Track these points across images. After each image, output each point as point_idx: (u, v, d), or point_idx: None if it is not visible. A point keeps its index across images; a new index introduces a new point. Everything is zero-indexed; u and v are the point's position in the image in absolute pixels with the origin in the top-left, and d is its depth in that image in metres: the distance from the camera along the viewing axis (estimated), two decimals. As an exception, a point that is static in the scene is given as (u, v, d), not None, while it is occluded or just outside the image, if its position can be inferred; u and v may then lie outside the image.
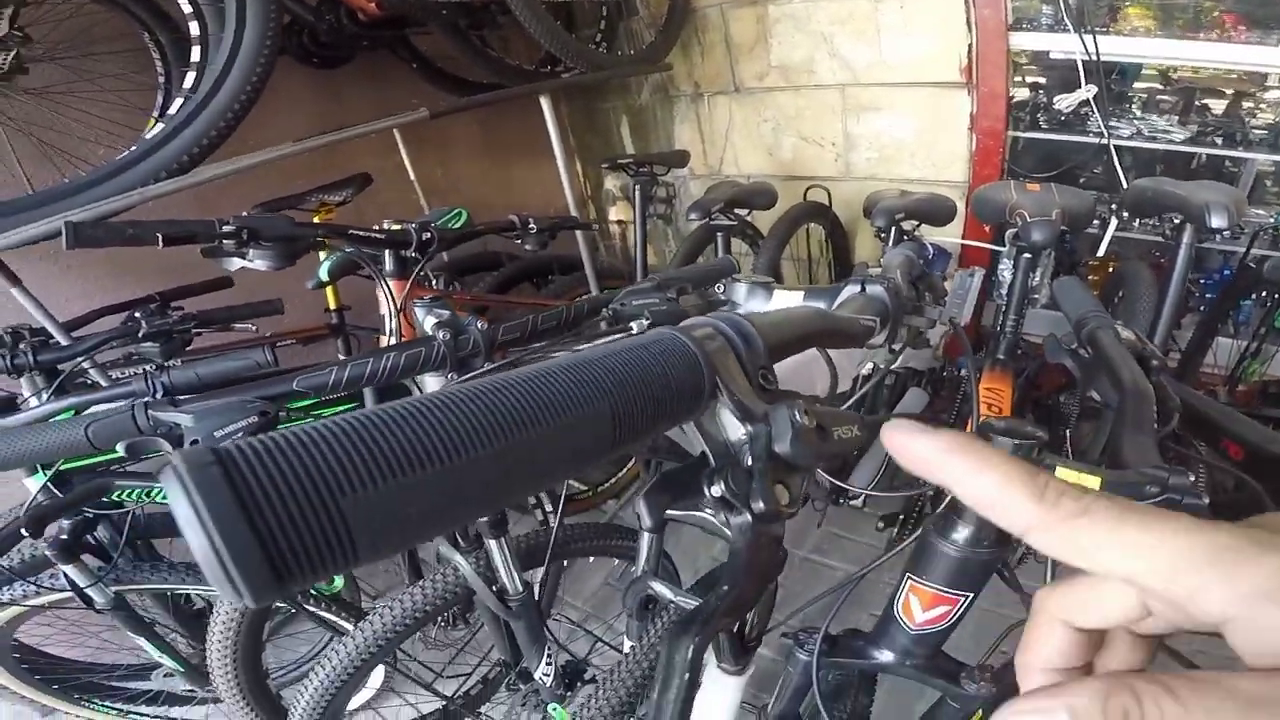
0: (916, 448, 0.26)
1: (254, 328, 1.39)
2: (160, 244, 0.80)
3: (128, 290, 1.59)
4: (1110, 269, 2.22)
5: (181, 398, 0.80)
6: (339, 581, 1.67)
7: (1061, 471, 0.49)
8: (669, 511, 0.41)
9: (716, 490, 0.31)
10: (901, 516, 1.51)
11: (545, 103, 1.87)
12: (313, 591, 1.57)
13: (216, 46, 1.30)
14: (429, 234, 1.04)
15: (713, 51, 2.54)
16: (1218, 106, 2.06)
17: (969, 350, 0.65)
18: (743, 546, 0.32)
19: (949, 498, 0.64)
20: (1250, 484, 0.60)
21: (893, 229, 1.44)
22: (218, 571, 0.17)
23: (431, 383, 0.81)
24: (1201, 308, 2.11)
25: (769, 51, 2.42)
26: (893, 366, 1.45)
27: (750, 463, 0.31)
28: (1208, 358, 1.94)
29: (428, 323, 0.76)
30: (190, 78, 1.33)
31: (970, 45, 2.05)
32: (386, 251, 1.07)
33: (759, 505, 0.30)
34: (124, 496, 1.16)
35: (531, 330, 0.80)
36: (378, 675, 1.57)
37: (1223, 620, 0.20)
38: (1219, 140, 1.99)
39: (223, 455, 0.18)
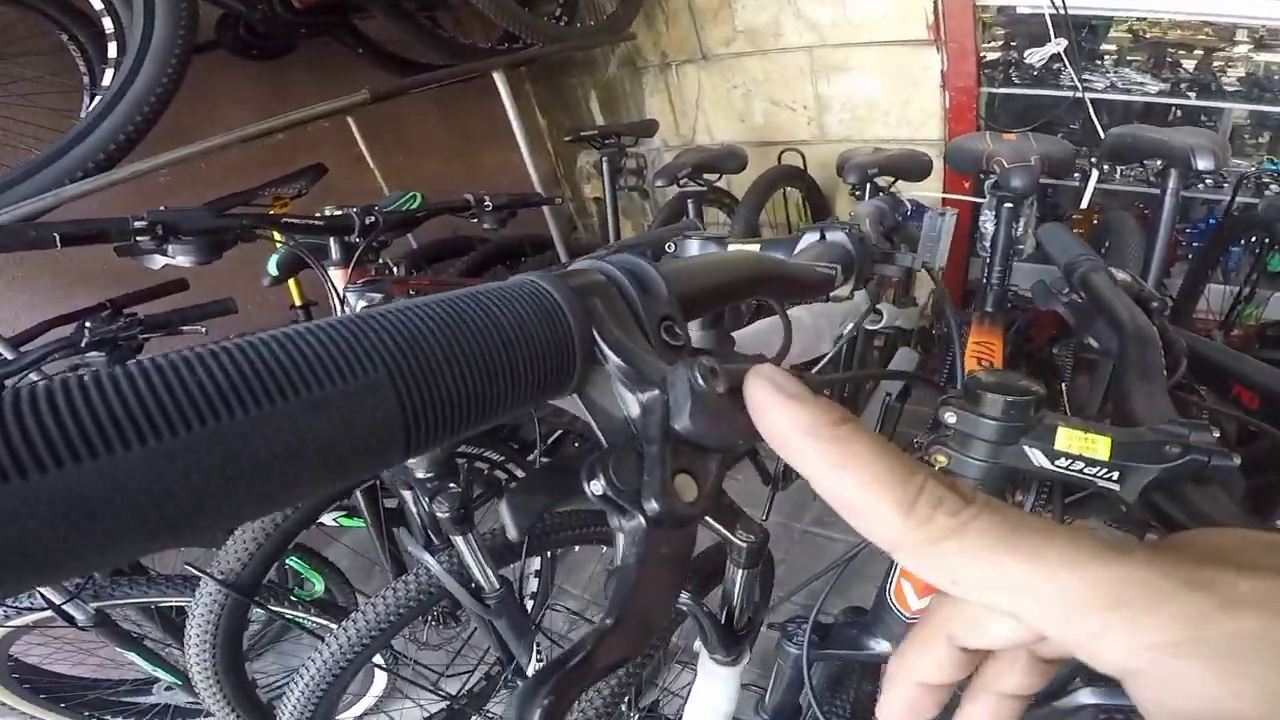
0: (773, 419, 0.21)
1: (204, 330, 1.32)
2: (59, 244, 0.74)
3: (82, 299, 1.52)
4: (1094, 220, 2.19)
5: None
6: (319, 585, 1.62)
7: (1065, 432, 0.42)
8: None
9: (596, 486, 0.23)
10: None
11: (499, 79, 1.79)
12: (291, 596, 1.54)
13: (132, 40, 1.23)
14: (373, 217, 0.97)
15: (677, 19, 2.47)
16: (1189, 64, 2.04)
17: (946, 296, 0.59)
18: (634, 561, 0.23)
19: (936, 458, 0.58)
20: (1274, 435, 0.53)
21: (867, 186, 1.38)
22: None
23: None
24: (1189, 256, 2.09)
25: (734, 16, 2.36)
26: (879, 326, 1.39)
27: (640, 445, 0.23)
28: (1199, 304, 1.91)
29: (359, 308, 0.69)
30: (109, 75, 1.26)
31: (935, 1, 1.99)
32: (331, 239, 1.00)
33: (652, 505, 0.22)
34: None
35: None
36: (380, 684, 1.55)
37: (1123, 673, 0.18)
38: (1192, 94, 1.98)
39: None
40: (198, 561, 1.37)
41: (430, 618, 1.58)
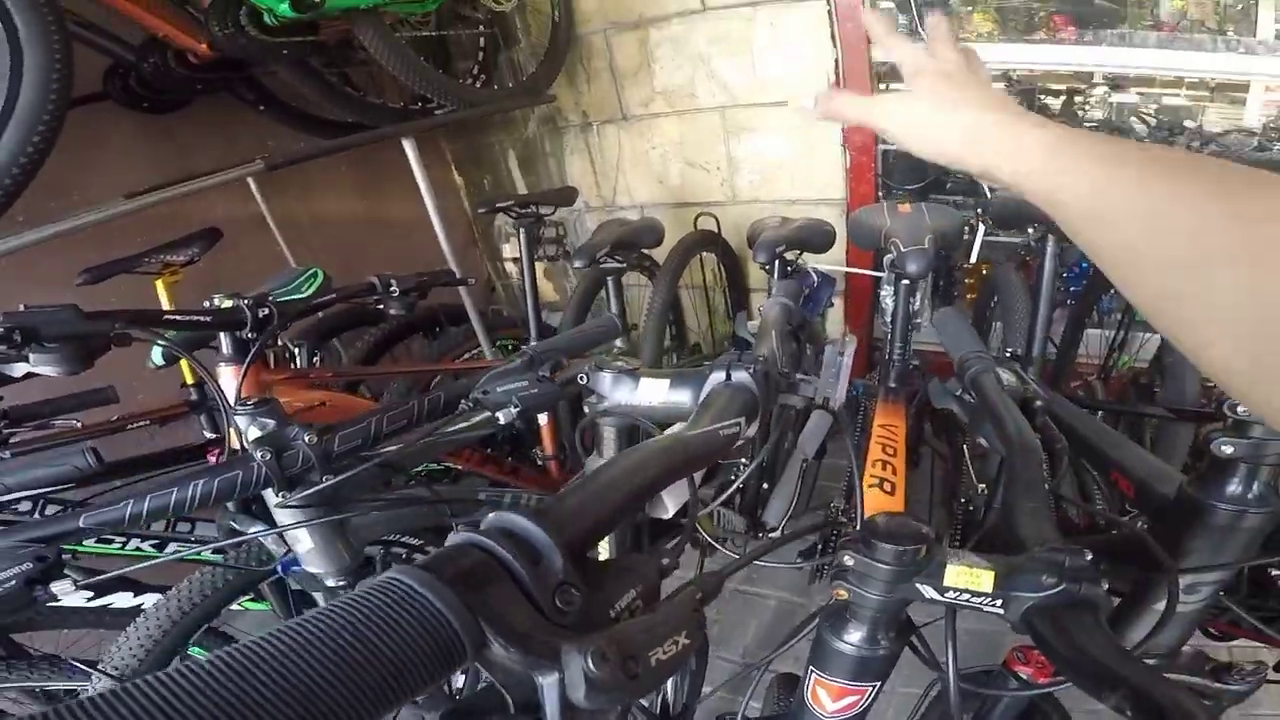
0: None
1: (78, 423, 1.20)
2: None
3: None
4: (983, 272, 2.33)
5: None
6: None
7: (953, 570, 0.47)
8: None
9: None
10: (819, 546, 1.50)
11: (409, 147, 1.75)
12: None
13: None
14: (267, 309, 0.91)
15: (599, 78, 2.50)
16: (1055, 104, 2.24)
17: (850, 430, 0.61)
18: None
19: (838, 593, 0.60)
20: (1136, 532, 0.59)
21: (775, 262, 1.42)
22: None
23: (271, 499, 0.69)
24: (1069, 301, 2.23)
25: (652, 77, 2.41)
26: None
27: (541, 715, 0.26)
28: (1080, 349, 2.05)
29: (249, 434, 0.65)
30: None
31: (836, 60, 2.11)
32: (221, 333, 0.94)
33: None
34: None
35: (375, 435, 0.70)
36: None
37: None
38: None
39: None
40: (90, 650, 1.27)
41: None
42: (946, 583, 0.46)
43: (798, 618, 1.66)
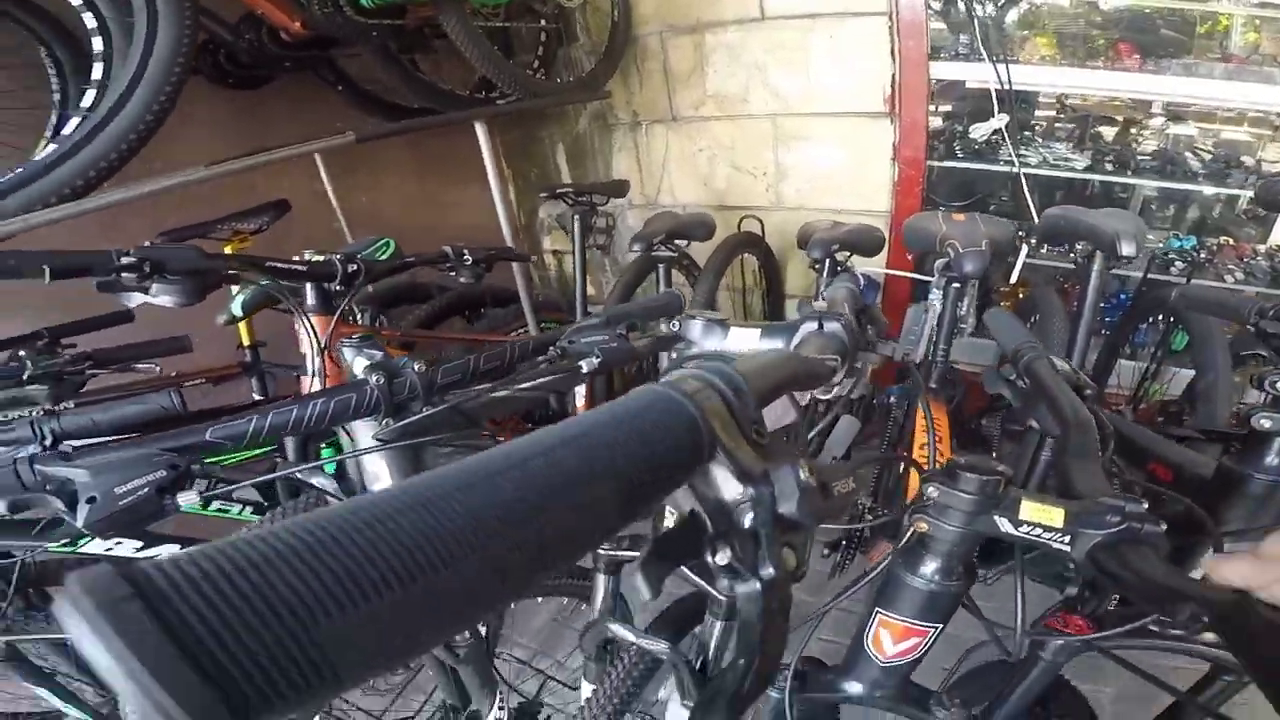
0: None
1: (158, 368, 1.28)
2: (47, 278, 0.72)
3: (10, 327, 1.43)
4: (1020, 294, 2.34)
5: (73, 445, 0.71)
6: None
7: (1028, 504, 0.51)
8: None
9: (722, 558, 0.30)
10: (844, 542, 1.53)
11: (480, 130, 1.83)
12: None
13: (122, 63, 1.22)
14: (355, 265, 0.98)
15: (651, 79, 2.55)
16: (1109, 133, 2.23)
17: (923, 387, 0.65)
18: (754, 617, 0.30)
19: (912, 530, 0.64)
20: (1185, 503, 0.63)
21: (827, 260, 1.47)
22: None
23: (362, 429, 0.75)
24: (1103, 330, 2.23)
25: (705, 80, 2.45)
26: (829, 396, 1.47)
27: (752, 526, 0.30)
28: (1110, 379, 2.05)
29: (358, 365, 0.70)
30: (90, 96, 1.23)
31: (894, 75, 2.13)
32: (308, 285, 1.00)
33: (768, 572, 0.30)
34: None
35: (473, 371, 0.75)
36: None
37: None
38: (1110, 166, 2.15)
39: (143, 584, 0.14)
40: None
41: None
42: (1022, 516, 0.50)
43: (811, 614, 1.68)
